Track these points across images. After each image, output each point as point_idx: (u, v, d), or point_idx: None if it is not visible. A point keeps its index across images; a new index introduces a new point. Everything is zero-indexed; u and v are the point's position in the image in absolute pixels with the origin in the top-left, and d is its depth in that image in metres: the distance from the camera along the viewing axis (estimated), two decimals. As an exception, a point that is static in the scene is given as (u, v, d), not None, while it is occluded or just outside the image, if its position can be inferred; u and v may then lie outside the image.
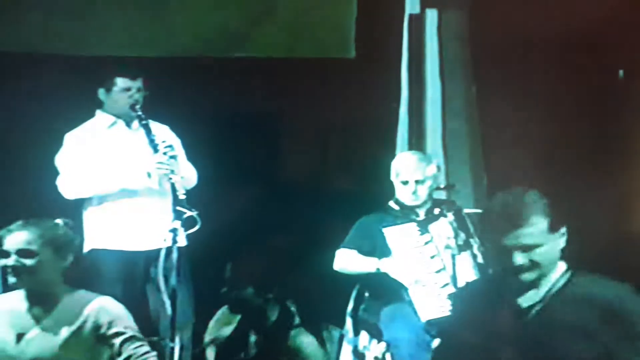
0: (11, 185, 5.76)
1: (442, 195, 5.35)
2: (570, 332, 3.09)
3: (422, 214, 5.19)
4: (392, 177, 5.27)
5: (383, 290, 5.11)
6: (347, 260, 5.19)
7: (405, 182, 5.20)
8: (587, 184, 6.17)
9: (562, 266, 3.24)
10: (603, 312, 3.10)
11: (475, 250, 4.93)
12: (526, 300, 3.20)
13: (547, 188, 6.04)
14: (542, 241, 3.16)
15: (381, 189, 5.59)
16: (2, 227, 3.87)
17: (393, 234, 5.04)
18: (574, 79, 6.21)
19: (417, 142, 6.23)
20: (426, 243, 5.02)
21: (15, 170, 5.76)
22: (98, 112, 5.35)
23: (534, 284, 3.19)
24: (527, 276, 3.17)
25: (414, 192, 5.18)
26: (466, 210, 5.04)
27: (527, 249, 3.15)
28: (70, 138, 5.25)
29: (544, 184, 6.06)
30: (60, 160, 5.21)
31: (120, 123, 5.34)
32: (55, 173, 5.21)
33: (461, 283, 4.71)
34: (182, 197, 4.99)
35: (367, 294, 5.26)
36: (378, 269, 5.07)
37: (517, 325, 3.16)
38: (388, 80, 6.38)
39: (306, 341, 6.08)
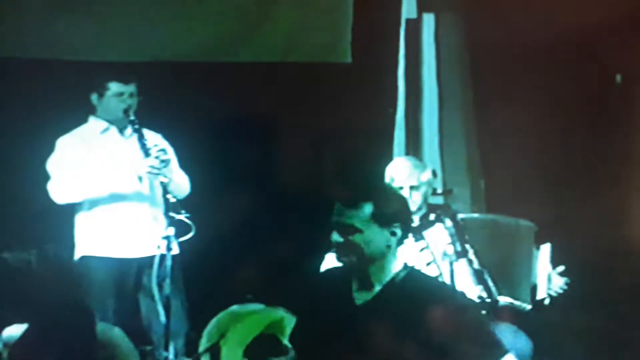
0: (2, 190, 5.72)
1: (438, 200, 5.29)
2: (402, 324, 3.19)
3: (416, 220, 5.10)
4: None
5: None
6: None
7: (400, 188, 5.11)
8: (583, 189, 6.14)
9: (399, 264, 3.32)
10: (431, 308, 3.21)
11: (472, 256, 4.87)
12: (361, 296, 3.27)
13: (546, 191, 6.08)
14: (362, 227, 3.23)
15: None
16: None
17: None
18: (571, 82, 6.18)
19: (413, 147, 6.20)
20: (421, 250, 4.96)
21: (7, 175, 5.69)
22: (91, 118, 5.33)
23: (365, 277, 3.26)
24: (345, 259, 3.27)
25: (409, 198, 5.07)
26: (461, 215, 4.97)
27: (345, 229, 3.24)
28: (62, 143, 5.22)
29: (543, 187, 6.11)
30: (51, 164, 5.17)
31: (113, 129, 5.32)
32: (47, 178, 5.18)
33: (459, 289, 4.64)
34: (172, 200, 4.99)
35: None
36: None
37: (351, 317, 3.25)
38: (384, 85, 6.36)
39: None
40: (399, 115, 6.29)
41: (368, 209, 3.30)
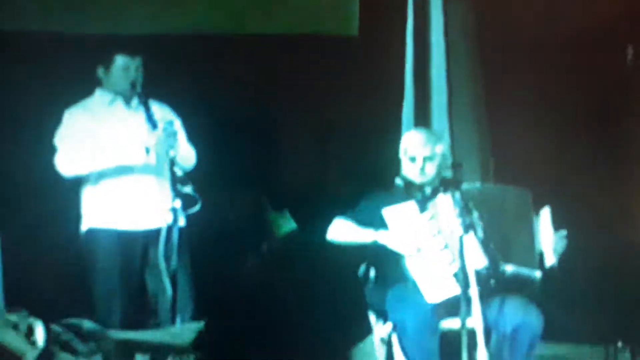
0: (10, 163, 5.71)
1: (447, 174, 5.26)
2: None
3: (427, 191, 5.10)
4: (400, 154, 5.18)
5: (389, 271, 5.03)
6: (342, 230, 5.08)
7: (412, 159, 5.12)
8: (593, 168, 6.15)
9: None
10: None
11: (479, 229, 4.86)
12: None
13: (554, 167, 6.09)
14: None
15: (386, 168, 5.54)
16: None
17: (392, 214, 4.95)
18: (583, 61, 6.17)
19: (422, 120, 6.17)
20: (428, 221, 4.93)
21: (14, 148, 5.68)
22: (97, 91, 5.33)
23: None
24: None
25: (422, 169, 5.10)
26: (465, 185, 4.93)
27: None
28: (69, 115, 5.24)
29: (552, 161, 6.12)
30: (59, 137, 5.19)
31: (119, 101, 5.32)
32: (54, 151, 5.20)
33: (469, 262, 4.62)
34: (179, 173, 5.01)
35: (372, 275, 5.18)
36: (375, 241, 4.98)
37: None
38: (392, 58, 6.32)
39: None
40: (407, 88, 6.27)
41: None
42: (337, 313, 3.08)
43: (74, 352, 3.23)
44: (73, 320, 3.16)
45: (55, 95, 5.41)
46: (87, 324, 3.15)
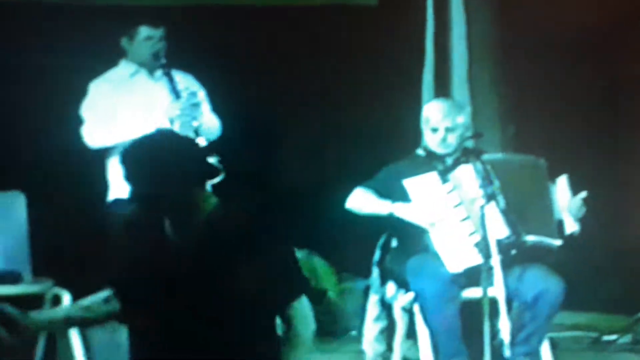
0: (36, 135, 5.76)
1: (469, 144, 5.28)
2: (220, 258, 3.16)
3: (448, 162, 5.10)
4: (422, 124, 5.18)
5: (410, 240, 5.07)
6: (360, 200, 5.10)
7: (434, 129, 5.11)
8: (613, 135, 6.16)
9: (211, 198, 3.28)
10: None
11: (500, 199, 4.89)
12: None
13: (574, 135, 6.10)
14: None
15: (406, 137, 5.56)
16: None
17: (414, 185, 4.98)
18: (603, 29, 6.15)
19: (443, 91, 6.17)
20: (449, 192, 4.97)
21: (41, 120, 5.73)
22: (122, 62, 5.35)
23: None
24: None
25: (444, 140, 5.09)
26: (488, 156, 4.95)
27: None
28: (95, 87, 5.26)
29: (572, 129, 6.13)
30: (85, 109, 5.21)
31: (143, 72, 5.34)
32: (80, 123, 5.22)
33: (490, 232, 4.65)
34: (203, 144, 5.02)
35: (393, 244, 5.23)
36: (392, 213, 5.01)
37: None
38: (412, 27, 6.32)
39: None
40: (427, 58, 6.28)
41: None
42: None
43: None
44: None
45: (81, 66, 5.44)
46: (9, 309, 3.12)
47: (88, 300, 3.31)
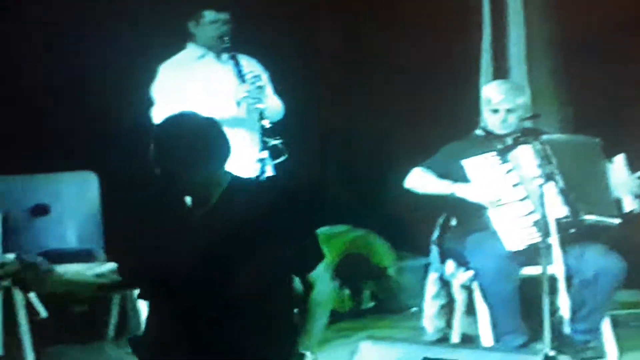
0: (108, 117, 5.88)
1: (527, 124, 5.33)
2: (240, 230, 3.29)
3: (508, 142, 5.14)
4: (481, 105, 5.23)
5: (469, 219, 5.13)
6: (420, 179, 5.17)
7: (495, 110, 5.16)
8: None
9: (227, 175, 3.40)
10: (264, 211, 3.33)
11: (559, 178, 4.94)
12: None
13: (630, 115, 6.06)
14: None
15: (463, 117, 5.60)
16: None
17: (473, 165, 5.04)
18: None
19: (501, 71, 6.19)
20: (508, 172, 5.03)
21: (112, 102, 5.85)
22: (189, 45, 5.45)
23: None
24: None
25: (504, 121, 5.14)
26: (545, 136, 4.99)
27: None
28: (165, 69, 5.35)
29: (629, 109, 6.09)
30: (155, 90, 5.31)
31: (210, 55, 5.44)
32: (150, 104, 5.31)
33: (549, 211, 4.71)
34: (267, 125, 5.12)
35: (452, 223, 5.29)
36: (453, 193, 5.08)
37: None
38: (469, 9, 6.32)
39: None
40: (484, 39, 6.29)
41: None
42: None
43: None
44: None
45: (150, 49, 5.50)
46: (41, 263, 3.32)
47: (103, 268, 3.46)
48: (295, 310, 3.44)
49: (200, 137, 3.32)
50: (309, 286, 3.40)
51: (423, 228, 5.45)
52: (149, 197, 3.47)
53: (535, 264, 4.77)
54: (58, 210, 5.53)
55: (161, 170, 3.30)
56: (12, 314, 5.07)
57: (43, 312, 5.30)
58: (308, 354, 3.36)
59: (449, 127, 5.71)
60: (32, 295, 5.25)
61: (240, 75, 5.31)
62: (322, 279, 3.41)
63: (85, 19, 5.94)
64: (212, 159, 3.33)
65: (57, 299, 5.01)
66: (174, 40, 5.42)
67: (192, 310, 3.28)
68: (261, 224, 3.29)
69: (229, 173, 3.41)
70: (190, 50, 5.44)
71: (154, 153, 3.32)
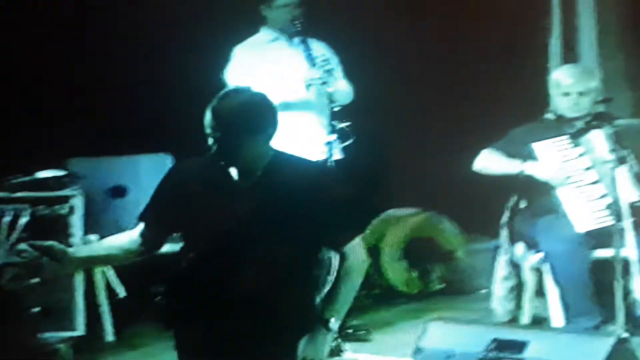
0: (182, 100, 5.94)
1: (600, 108, 5.32)
2: (283, 203, 3.43)
3: (579, 126, 5.15)
4: (552, 89, 5.22)
5: (539, 202, 5.13)
6: (489, 160, 5.17)
7: (566, 94, 5.15)
8: None
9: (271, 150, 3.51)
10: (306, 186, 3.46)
11: (632, 163, 4.94)
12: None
13: None
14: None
15: (533, 101, 5.61)
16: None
17: (544, 148, 5.05)
18: None
19: (570, 56, 6.18)
20: (580, 155, 5.03)
21: (187, 86, 5.89)
22: (262, 28, 5.50)
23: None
24: None
25: (576, 104, 5.13)
26: (619, 121, 4.98)
27: None
28: (239, 52, 5.42)
29: None
30: (230, 73, 5.36)
31: (282, 38, 5.48)
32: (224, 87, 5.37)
33: (622, 195, 4.71)
34: (336, 109, 5.17)
35: (522, 205, 5.28)
36: (522, 171, 5.07)
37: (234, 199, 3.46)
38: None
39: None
40: (554, 23, 6.28)
41: None
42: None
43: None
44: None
45: (224, 33, 5.56)
46: (57, 246, 3.45)
47: (114, 243, 3.60)
48: (330, 279, 3.55)
49: (251, 109, 3.47)
50: (343, 257, 3.50)
51: (492, 210, 5.44)
52: (201, 166, 3.60)
53: (608, 246, 4.75)
54: (135, 192, 5.68)
55: (213, 139, 3.44)
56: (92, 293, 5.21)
57: (122, 292, 5.42)
58: (332, 320, 3.45)
59: (518, 111, 5.68)
60: (112, 274, 5.38)
61: (311, 59, 5.34)
62: (355, 251, 3.50)
63: (159, 6, 5.97)
64: (261, 132, 3.47)
65: (136, 278, 5.11)
66: (249, 24, 5.47)
67: (230, 275, 3.41)
68: (302, 199, 3.42)
69: (273, 149, 3.54)
70: (263, 34, 5.50)
71: (208, 122, 3.46)
